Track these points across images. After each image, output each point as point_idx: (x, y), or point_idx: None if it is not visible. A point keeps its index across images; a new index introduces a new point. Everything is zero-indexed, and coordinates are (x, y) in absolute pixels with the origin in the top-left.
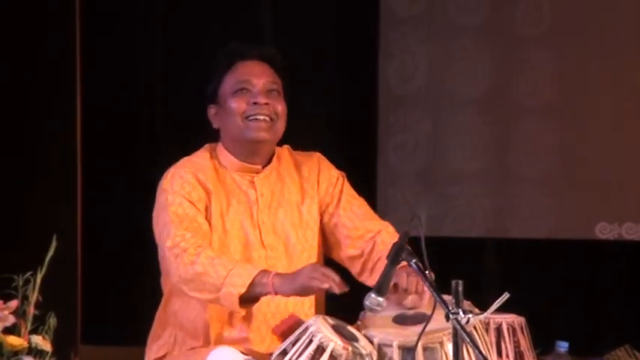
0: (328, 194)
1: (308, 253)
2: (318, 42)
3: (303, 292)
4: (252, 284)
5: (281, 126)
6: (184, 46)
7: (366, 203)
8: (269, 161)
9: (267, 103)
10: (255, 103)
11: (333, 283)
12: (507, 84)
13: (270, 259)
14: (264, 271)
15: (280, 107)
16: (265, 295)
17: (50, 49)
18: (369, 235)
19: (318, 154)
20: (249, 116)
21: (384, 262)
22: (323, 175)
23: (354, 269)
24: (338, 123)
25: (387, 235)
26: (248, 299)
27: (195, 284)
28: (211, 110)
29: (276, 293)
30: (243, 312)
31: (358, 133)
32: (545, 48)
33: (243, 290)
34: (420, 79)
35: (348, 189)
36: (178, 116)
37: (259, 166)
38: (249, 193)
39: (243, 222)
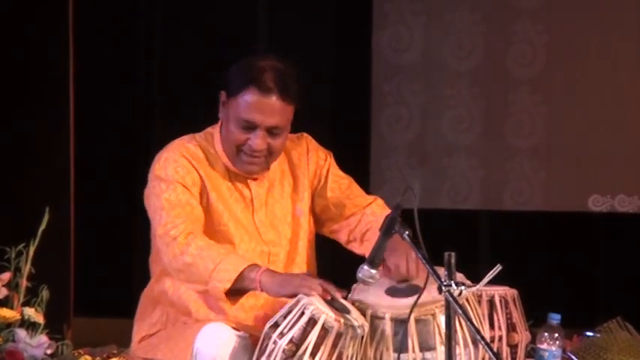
0: (317, 176)
1: (303, 241)
2: (314, 13)
3: (289, 296)
4: (239, 278)
5: (278, 154)
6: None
7: (353, 181)
8: None
9: (262, 150)
10: (251, 147)
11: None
12: (500, 56)
13: (272, 255)
14: (253, 266)
15: (279, 143)
16: (252, 289)
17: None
18: (358, 210)
19: (305, 136)
20: (241, 151)
21: (374, 231)
22: (311, 159)
23: (342, 238)
24: (332, 97)
25: (377, 207)
26: (237, 291)
27: (185, 275)
28: (222, 96)
29: (262, 290)
30: (232, 304)
31: (352, 105)
32: (538, 20)
33: (228, 285)
34: (414, 51)
35: (335, 169)
36: (174, 91)
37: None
38: (245, 194)
39: (242, 219)
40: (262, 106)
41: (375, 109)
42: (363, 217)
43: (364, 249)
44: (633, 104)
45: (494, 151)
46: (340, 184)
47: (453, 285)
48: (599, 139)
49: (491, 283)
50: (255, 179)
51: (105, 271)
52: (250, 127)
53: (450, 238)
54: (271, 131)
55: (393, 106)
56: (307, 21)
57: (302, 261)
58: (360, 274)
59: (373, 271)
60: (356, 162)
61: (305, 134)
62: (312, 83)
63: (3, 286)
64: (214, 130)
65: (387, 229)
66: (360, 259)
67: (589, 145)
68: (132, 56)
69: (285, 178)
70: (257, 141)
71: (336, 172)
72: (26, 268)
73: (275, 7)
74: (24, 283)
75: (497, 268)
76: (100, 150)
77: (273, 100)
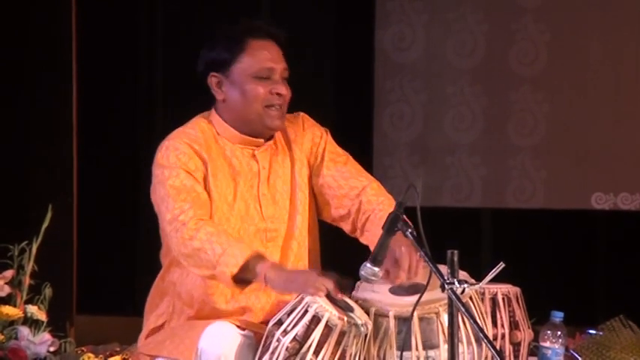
0: (313, 154)
1: (302, 216)
2: (316, 12)
3: (293, 294)
4: (245, 268)
5: (288, 104)
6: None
7: (350, 158)
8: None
9: (287, 94)
10: (277, 94)
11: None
12: (502, 55)
13: (270, 232)
14: (259, 256)
15: (290, 94)
16: (257, 282)
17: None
18: (353, 193)
19: (302, 114)
20: (269, 105)
21: (372, 221)
22: (307, 136)
23: (346, 228)
24: (335, 95)
25: (372, 192)
26: (243, 279)
27: (193, 260)
28: (213, 79)
29: (267, 285)
30: (239, 290)
31: (354, 103)
32: (540, 19)
33: (235, 271)
34: (417, 49)
35: (332, 146)
36: (177, 89)
37: (261, 140)
38: (251, 166)
39: (244, 194)
40: (270, 51)
41: (377, 107)
42: (361, 206)
43: (365, 239)
44: (635, 102)
45: (497, 149)
46: (336, 163)
47: (456, 283)
48: (601, 137)
49: (494, 280)
50: (259, 146)
51: (108, 269)
52: (267, 76)
53: (453, 236)
54: (283, 77)
55: (396, 104)
56: (309, 20)
57: (300, 235)
58: (362, 272)
59: (376, 269)
60: (358, 160)
61: (301, 113)
62: (314, 81)
63: (6, 283)
64: (210, 113)
65: (389, 227)
66: (363, 255)
67: (591, 142)
68: (134, 57)
69: (284, 153)
70: (280, 86)
71: (333, 149)
72: (29, 266)
73: (277, 5)
74: (27, 280)
75: (500, 265)
76: (102, 148)
77: (273, 44)
